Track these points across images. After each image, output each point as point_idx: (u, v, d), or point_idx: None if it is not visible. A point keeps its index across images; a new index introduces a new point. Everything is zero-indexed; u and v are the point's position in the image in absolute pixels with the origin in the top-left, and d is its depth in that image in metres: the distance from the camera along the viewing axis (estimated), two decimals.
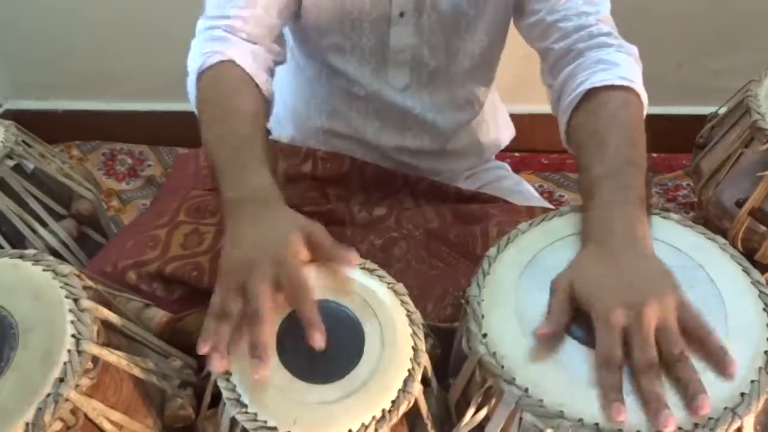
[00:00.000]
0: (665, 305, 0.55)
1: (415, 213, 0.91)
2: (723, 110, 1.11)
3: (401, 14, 0.84)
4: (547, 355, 0.56)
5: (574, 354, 0.57)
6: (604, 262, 0.59)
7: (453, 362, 0.67)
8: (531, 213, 0.86)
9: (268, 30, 0.82)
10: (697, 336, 0.55)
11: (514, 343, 0.58)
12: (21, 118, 1.08)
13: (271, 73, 0.85)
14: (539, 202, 1.00)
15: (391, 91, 0.91)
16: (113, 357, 0.56)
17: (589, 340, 0.57)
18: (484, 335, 0.58)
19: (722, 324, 0.57)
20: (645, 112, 0.74)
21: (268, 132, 0.83)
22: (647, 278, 0.58)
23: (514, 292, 0.61)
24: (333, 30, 0.87)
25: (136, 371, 0.59)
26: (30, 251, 0.60)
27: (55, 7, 1.48)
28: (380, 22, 0.85)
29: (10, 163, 0.92)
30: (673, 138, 1.33)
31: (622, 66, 0.74)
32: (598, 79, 0.73)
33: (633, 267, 0.58)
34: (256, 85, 0.79)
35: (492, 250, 0.65)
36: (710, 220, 1.05)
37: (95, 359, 0.55)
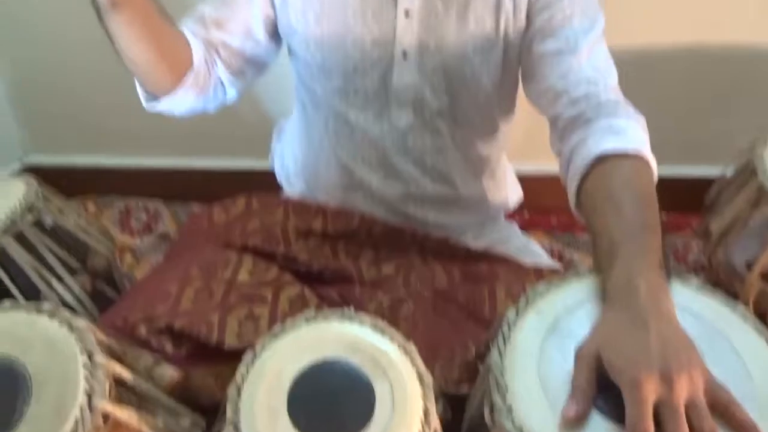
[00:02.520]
0: (694, 378, 0.54)
1: (423, 271, 0.92)
2: (730, 171, 1.12)
3: (404, 54, 0.87)
4: (575, 430, 0.54)
5: (601, 428, 0.55)
6: (631, 330, 0.57)
7: (469, 431, 0.65)
8: (539, 274, 0.86)
9: (222, 42, 0.87)
10: (726, 411, 0.54)
11: (542, 418, 0.55)
12: (39, 173, 1.11)
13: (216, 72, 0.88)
14: (548, 262, 1.00)
15: (394, 134, 0.93)
16: (124, 414, 0.56)
17: (612, 410, 0.55)
18: (510, 408, 0.56)
19: (749, 399, 0.55)
20: (655, 180, 0.75)
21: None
22: (676, 349, 0.56)
23: (537, 361, 0.59)
24: (336, 73, 0.89)
25: (146, 429, 0.59)
26: (47, 304, 0.61)
27: (74, 64, 1.53)
28: (383, 62, 0.88)
29: (30, 217, 0.94)
30: (679, 198, 1.33)
31: (630, 134, 0.75)
32: (609, 146, 0.74)
33: (661, 336, 0.56)
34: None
35: (510, 313, 0.64)
36: (721, 282, 1.05)
37: (106, 416, 0.55)
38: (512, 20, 0.85)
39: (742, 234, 1.01)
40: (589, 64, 0.81)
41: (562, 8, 0.82)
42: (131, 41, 0.73)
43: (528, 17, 0.85)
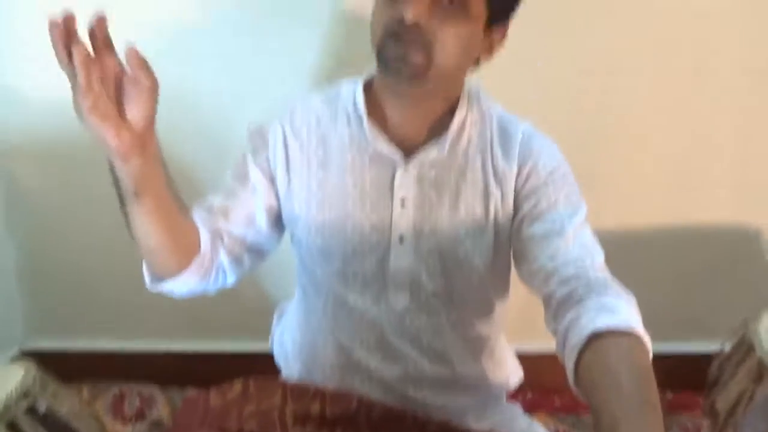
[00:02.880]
0: None
1: None
2: (727, 346, 1.12)
3: (401, 239, 0.91)
4: None
5: None
6: None
7: None
8: None
9: (227, 229, 0.91)
10: None
11: None
12: (38, 357, 1.11)
13: (220, 256, 0.91)
14: None
15: (391, 316, 0.95)
16: None
17: None
18: None
19: None
20: (650, 356, 0.75)
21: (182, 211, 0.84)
22: None
23: None
24: (336, 256, 0.93)
25: None
26: None
27: (80, 252, 1.59)
28: (380, 246, 0.92)
29: (25, 404, 0.92)
30: (684, 376, 1.32)
31: (622, 311, 0.77)
32: (602, 324, 0.75)
33: None
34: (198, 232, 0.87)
35: None
36: None
37: None
38: (500, 207, 0.91)
39: (749, 411, 0.99)
40: (576, 246, 0.85)
41: (547, 195, 0.89)
42: (148, 228, 0.78)
43: (515, 204, 0.91)
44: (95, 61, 0.64)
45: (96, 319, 1.68)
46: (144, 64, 0.65)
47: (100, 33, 0.64)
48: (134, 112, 0.68)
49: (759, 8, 1.30)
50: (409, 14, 0.79)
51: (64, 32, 0.62)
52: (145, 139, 0.70)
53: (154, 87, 0.67)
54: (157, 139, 0.73)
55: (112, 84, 0.66)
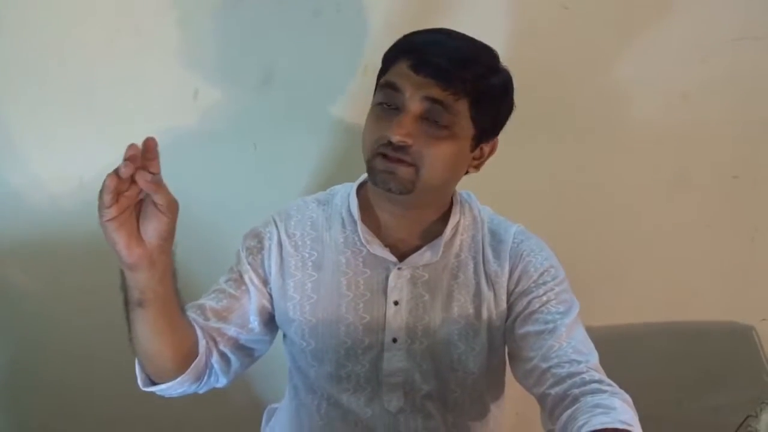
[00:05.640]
0: None
1: None
2: None
3: (394, 340, 0.92)
4: None
5: None
6: None
7: None
8: None
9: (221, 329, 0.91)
10: None
11: None
12: None
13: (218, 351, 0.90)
14: None
15: (385, 417, 0.94)
16: None
17: None
18: None
19: None
20: None
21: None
22: None
23: None
24: (329, 358, 0.93)
25: None
26: None
27: (64, 363, 1.54)
28: (374, 348, 0.92)
29: None
30: None
31: (619, 410, 0.76)
32: (599, 422, 0.74)
33: None
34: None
35: None
36: None
37: None
38: (493, 308, 0.92)
39: None
40: (570, 345, 0.86)
41: (538, 295, 0.91)
42: (149, 335, 0.78)
43: (508, 305, 0.93)
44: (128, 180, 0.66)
45: (80, 421, 1.61)
46: (159, 186, 0.67)
47: (148, 153, 0.66)
48: (149, 229, 0.69)
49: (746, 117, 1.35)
50: (396, 137, 0.82)
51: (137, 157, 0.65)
52: (155, 256, 0.71)
53: (169, 207, 0.69)
54: (173, 254, 0.75)
55: (136, 198, 0.68)
